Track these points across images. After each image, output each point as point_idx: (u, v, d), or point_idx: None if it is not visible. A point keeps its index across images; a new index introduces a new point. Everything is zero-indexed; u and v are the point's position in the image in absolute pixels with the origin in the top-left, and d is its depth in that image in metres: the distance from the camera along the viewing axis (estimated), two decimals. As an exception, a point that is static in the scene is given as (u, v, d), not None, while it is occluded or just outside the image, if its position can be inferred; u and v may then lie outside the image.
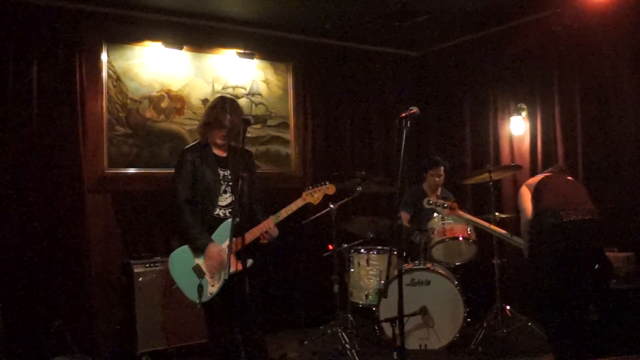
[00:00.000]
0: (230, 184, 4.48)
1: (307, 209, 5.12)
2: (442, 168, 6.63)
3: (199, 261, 4.31)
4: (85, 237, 5.87)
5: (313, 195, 4.59)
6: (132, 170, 6.24)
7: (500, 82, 7.24)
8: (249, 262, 4.23)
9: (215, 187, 4.43)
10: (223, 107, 4.48)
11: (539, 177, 5.13)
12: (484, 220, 5.79)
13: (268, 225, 4.40)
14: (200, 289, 4.15)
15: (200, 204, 4.39)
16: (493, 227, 5.68)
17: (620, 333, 5.09)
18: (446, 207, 5.62)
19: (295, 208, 4.55)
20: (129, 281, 5.81)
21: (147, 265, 5.83)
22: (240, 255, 4.14)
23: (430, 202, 5.69)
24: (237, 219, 4.03)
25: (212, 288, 4.26)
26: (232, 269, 4.06)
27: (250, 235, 4.32)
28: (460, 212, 5.71)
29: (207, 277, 4.27)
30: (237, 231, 4.03)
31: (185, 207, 4.35)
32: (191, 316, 5.74)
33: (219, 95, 4.94)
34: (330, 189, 4.64)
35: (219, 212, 4.45)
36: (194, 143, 4.65)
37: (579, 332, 4.80)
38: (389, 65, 8.07)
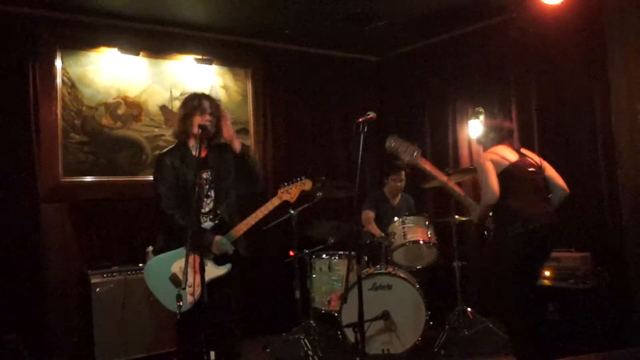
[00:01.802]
0: (213, 186, 4.36)
1: (267, 216, 5.08)
2: (404, 173, 6.65)
3: (175, 270, 4.20)
4: (40, 248, 5.75)
5: (289, 193, 4.54)
6: (88, 179, 6.12)
7: (459, 86, 7.30)
8: (226, 267, 4.25)
9: (198, 189, 4.21)
10: (198, 97, 4.43)
11: (506, 158, 4.85)
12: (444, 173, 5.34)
13: (242, 229, 4.35)
14: (179, 298, 3.92)
15: (186, 208, 4.19)
16: (451, 183, 5.19)
17: (578, 332, 5.16)
18: (407, 152, 4.97)
19: (272, 207, 4.49)
20: (86, 292, 5.70)
21: (105, 275, 5.71)
22: (219, 261, 4.22)
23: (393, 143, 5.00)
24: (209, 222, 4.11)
25: (191, 297, 4.10)
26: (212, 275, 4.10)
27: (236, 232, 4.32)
28: (422, 160, 5.10)
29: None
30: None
31: (175, 211, 4.22)
32: (150, 327, 5.69)
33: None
34: (306, 184, 4.60)
35: (200, 218, 4.29)
36: (171, 147, 4.49)
37: (540, 332, 4.85)
38: (349, 70, 8.08)
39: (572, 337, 5.20)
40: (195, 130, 4.29)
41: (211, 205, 4.36)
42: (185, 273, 3.70)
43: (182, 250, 4.18)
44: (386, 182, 6.75)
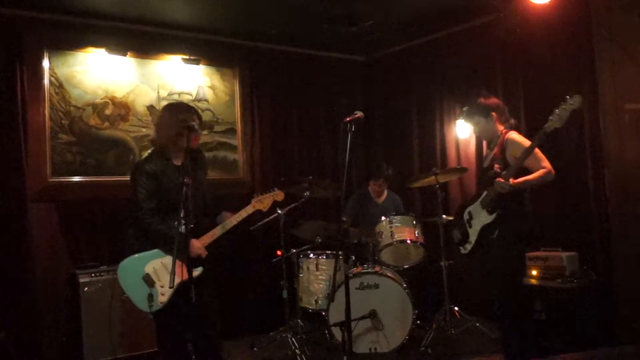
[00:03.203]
0: (191, 191, 4.27)
1: (254, 216, 5.17)
2: (382, 180, 6.71)
3: (149, 270, 4.26)
4: (28, 248, 5.73)
5: (262, 202, 4.75)
6: (76, 179, 6.10)
7: (446, 86, 7.33)
8: (198, 270, 4.27)
9: (178, 196, 4.18)
10: (192, 113, 4.42)
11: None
12: None
13: (215, 234, 4.46)
14: (151, 298, 4.08)
15: (165, 214, 4.26)
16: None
17: (565, 331, 5.19)
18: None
19: (245, 215, 4.63)
20: (74, 291, 5.69)
21: (93, 275, 5.70)
22: (191, 263, 4.16)
23: None
24: (184, 226, 3.99)
25: (163, 297, 4.19)
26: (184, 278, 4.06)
27: (206, 239, 4.42)
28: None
29: (158, 286, 4.22)
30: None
31: (154, 217, 4.26)
32: (138, 326, 5.67)
33: (168, 103, 4.93)
34: (278, 195, 4.83)
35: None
36: (149, 154, 4.51)
37: (528, 330, 4.89)
38: (337, 70, 8.10)
39: (559, 336, 5.23)
40: (185, 144, 4.21)
41: (190, 209, 4.32)
42: (172, 273, 3.74)
43: (156, 252, 4.30)
44: (367, 185, 6.83)
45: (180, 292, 4.12)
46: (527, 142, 4.62)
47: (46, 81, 5.96)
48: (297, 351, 5.66)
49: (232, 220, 4.53)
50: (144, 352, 5.75)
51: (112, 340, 5.64)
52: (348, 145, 4.03)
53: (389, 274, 5.79)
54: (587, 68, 5.78)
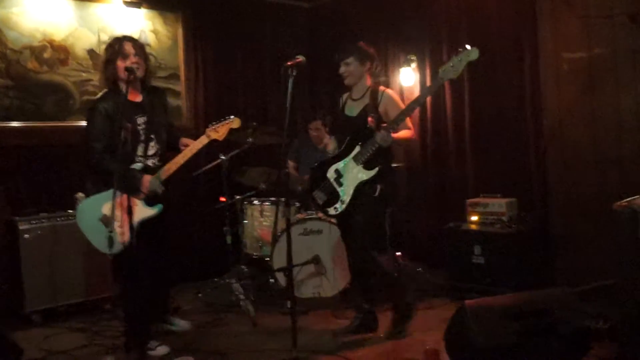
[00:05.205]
0: (152, 129, 4.41)
1: (197, 162, 5.13)
2: (320, 122, 6.67)
3: (106, 211, 4.16)
4: (-36, 195, 5.60)
5: (217, 131, 4.59)
6: (14, 124, 5.93)
7: (392, 34, 7.30)
8: (157, 207, 4.32)
9: (135, 136, 4.30)
10: (119, 40, 4.35)
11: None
12: None
13: (170, 169, 4.39)
14: (111, 239, 3.88)
15: (123, 156, 4.11)
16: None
17: (502, 275, 5.32)
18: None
19: (200, 146, 4.51)
20: (14, 239, 5.57)
21: (33, 221, 5.59)
22: (149, 202, 4.30)
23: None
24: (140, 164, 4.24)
25: (123, 237, 4.12)
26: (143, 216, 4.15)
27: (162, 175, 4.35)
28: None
29: (116, 225, 4.08)
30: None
31: (104, 156, 4.19)
32: (81, 273, 5.65)
33: None
34: (234, 122, 4.66)
35: (148, 162, 4.40)
36: (104, 93, 4.39)
37: (466, 274, 5.01)
38: (281, 16, 7.99)
39: (497, 280, 5.36)
40: (122, 74, 4.22)
41: (155, 147, 4.44)
42: (112, 214, 3.73)
43: (111, 192, 4.12)
44: (307, 130, 6.82)
45: (141, 231, 4.12)
46: (401, 103, 4.74)
47: (-20, 23, 5.73)
48: (242, 297, 5.69)
49: (187, 152, 4.45)
50: (87, 299, 5.72)
51: (54, 288, 5.59)
52: (289, 90, 4.04)
53: (332, 220, 5.83)
54: (529, 18, 5.84)
